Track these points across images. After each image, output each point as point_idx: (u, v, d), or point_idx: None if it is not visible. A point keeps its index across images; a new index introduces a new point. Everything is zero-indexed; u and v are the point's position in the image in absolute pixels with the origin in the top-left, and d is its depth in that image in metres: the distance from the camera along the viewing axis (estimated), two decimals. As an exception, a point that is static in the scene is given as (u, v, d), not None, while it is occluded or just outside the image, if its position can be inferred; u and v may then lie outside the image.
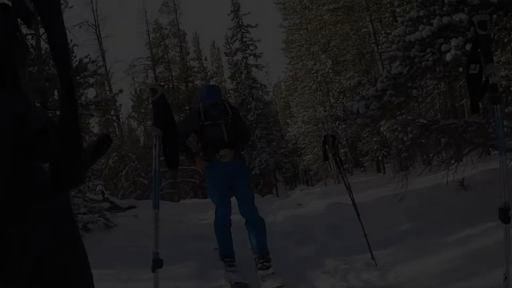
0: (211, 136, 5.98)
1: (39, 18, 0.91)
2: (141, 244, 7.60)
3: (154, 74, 41.77)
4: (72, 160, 0.90)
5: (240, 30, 42.09)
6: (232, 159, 5.94)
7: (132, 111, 43.59)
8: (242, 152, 6.63)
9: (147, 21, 42.09)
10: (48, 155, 0.90)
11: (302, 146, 42.90)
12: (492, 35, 7.22)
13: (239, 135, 6.09)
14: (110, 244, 8.64)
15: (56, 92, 11.23)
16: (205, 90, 6.06)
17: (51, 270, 0.93)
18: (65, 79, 0.92)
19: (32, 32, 10.06)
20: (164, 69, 43.20)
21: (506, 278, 3.03)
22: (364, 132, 31.34)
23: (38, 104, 10.30)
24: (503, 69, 7.27)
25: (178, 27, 44.31)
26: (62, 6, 11.89)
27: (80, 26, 27.62)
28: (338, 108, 27.50)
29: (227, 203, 6.07)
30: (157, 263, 3.40)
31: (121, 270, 6.52)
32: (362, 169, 44.17)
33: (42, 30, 10.79)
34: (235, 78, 44.12)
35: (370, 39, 28.12)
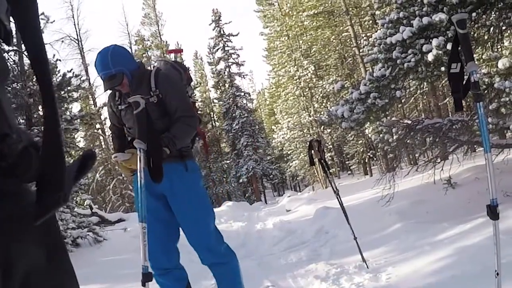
0: (129, 127, 3.93)
1: (20, 35, 0.90)
2: (131, 257, 7.56)
3: (138, 86, 41.58)
4: (55, 180, 0.90)
5: (222, 39, 42.25)
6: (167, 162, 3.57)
7: (117, 124, 43.47)
8: (184, 150, 3.88)
9: (129, 33, 41.98)
10: (32, 177, 0.90)
11: (288, 152, 42.93)
12: (472, 33, 7.27)
13: (172, 121, 3.78)
14: (100, 259, 8.59)
15: (40, 108, 11.20)
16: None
17: (41, 286, 0.94)
18: (46, 96, 0.92)
19: (15, 48, 10.03)
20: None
21: (498, 274, 3.03)
22: (349, 135, 31.43)
23: (23, 120, 10.31)
24: (484, 66, 7.31)
25: (161, 39, 44.29)
26: (44, 21, 11.89)
27: (63, 41, 27.46)
28: (322, 112, 27.52)
29: (159, 236, 3.83)
30: (146, 277, 3.37)
31: (112, 284, 6.49)
32: (349, 172, 44.40)
33: (24, 46, 10.77)
34: (219, 87, 44.26)
35: (351, 42, 28.23)
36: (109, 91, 4.02)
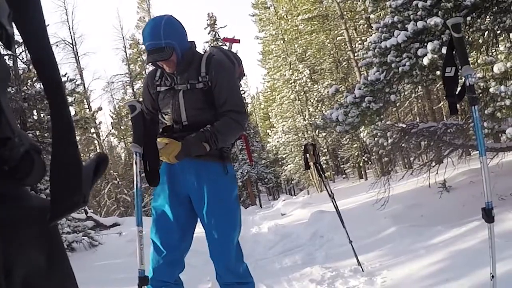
0: (165, 113, 3.51)
1: (21, 38, 0.90)
2: (126, 261, 7.55)
3: (133, 90, 41.54)
4: (73, 182, 0.90)
5: (217, 43, 42.16)
6: (194, 158, 3.30)
7: (112, 128, 43.45)
8: (225, 150, 3.48)
9: (123, 37, 41.92)
10: (34, 180, 0.90)
11: (283, 156, 42.86)
12: (467, 37, 7.29)
13: (218, 115, 3.37)
14: (95, 263, 8.57)
15: (35, 112, 11.18)
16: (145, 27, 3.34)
17: None
18: (57, 98, 0.91)
19: (9, 52, 10.01)
20: (142, 85, 42.93)
21: (493, 277, 3.04)
22: (344, 139, 31.46)
23: (18, 125, 10.25)
24: (479, 70, 7.34)
25: (155, 43, 44.12)
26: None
27: (57, 45, 27.43)
28: (317, 116, 27.55)
29: (172, 246, 3.38)
30: (143, 281, 3.35)
31: (108, 288, 6.47)
32: (344, 176, 44.36)
33: (18, 50, 10.74)
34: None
35: (346, 46, 28.24)
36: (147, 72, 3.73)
